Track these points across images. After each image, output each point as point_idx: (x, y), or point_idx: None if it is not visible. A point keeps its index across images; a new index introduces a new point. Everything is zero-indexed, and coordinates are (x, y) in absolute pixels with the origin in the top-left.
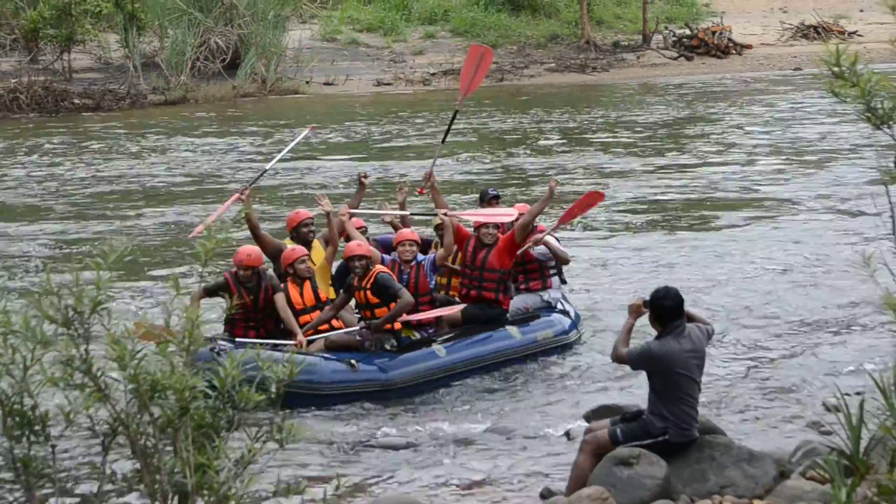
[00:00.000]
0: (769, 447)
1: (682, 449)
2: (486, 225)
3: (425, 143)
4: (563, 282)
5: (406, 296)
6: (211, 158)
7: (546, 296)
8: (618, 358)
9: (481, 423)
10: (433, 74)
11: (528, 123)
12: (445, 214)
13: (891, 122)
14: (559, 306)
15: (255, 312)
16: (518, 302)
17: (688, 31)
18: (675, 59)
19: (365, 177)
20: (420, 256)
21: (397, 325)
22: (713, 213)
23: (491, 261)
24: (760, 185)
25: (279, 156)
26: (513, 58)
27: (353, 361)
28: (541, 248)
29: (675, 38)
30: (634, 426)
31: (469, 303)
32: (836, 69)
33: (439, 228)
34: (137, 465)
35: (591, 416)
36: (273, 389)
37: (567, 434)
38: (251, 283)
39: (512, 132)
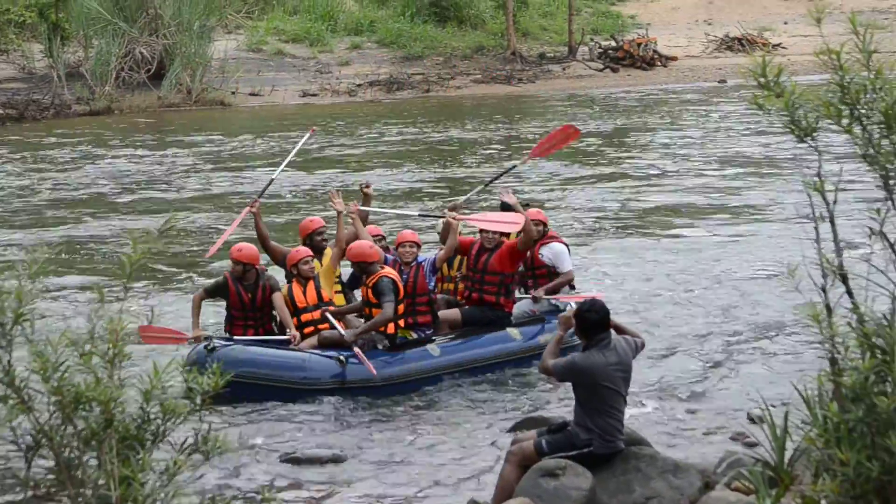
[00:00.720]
0: (694, 458)
1: (607, 460)
2: (486, 230)
3: (354, 154)
4: (572, 287)
5: (387, 310)
6: (135, 168)
7: (555, 301)
8: (544, 369)
9: (410, 434)
10: (359, 85)
11: (463, 133)
12: (455, 218)
13: (814, 135)
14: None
15: (252, 311)
16: (525, 305)
17: (613, 43)
18: (601, 70)
19: (367, 186)
20: (421, 257)
21: (391, 328)
22: (649, 223)
23: (492, 264)
24: (693, 195)
25: (282, 164)
26: (439, 69)
27: (341, 358)
28: (549, 252)
29: (600, 50)
30: (560, 437)
31: (470, 305)
32: (761, 81)
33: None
34: (62, 478)
35: (518, 428)
36: (198, 401)
37: (494, 445)
38: (248, 281)
39: (448, 142)
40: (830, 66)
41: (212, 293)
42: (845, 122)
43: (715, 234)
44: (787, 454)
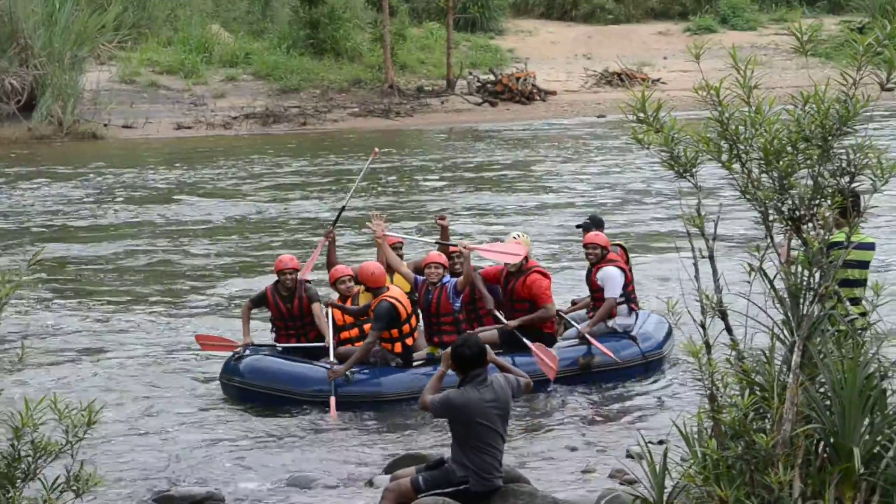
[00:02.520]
0: (574, 496)
1: (484, 498)
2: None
3: (232, 186)
4: (632, 310)
5: (368, 339)
6: (6, 203)
7: (611, 322)
8: (423, 405)
9: (292, 467)
10: (235, 118)
11: (340, 167)
12: (465, 247)
13: (694, 171)
14: (627, 333)
15: (291, 320)
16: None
17: (492, 77)
18: (480, 104)
19: (442, 218)
20: (447, 278)
21: (402, 345)
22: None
23: (518, 290)
24: (571, 230)
25: (351, 191)
26: (316, 102)
27: (348, 373)
28: (602, 275)
29: (479, 84)
30: (437, 474)
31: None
32: (640, 116)
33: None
34: None
35: (396, 465)
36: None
37: (370, 482)
38: (287, 293)
39: (333, 174)
40: (710, 102)
41: (256, 303)
42: (725, 157)
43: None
44: (667, 491)
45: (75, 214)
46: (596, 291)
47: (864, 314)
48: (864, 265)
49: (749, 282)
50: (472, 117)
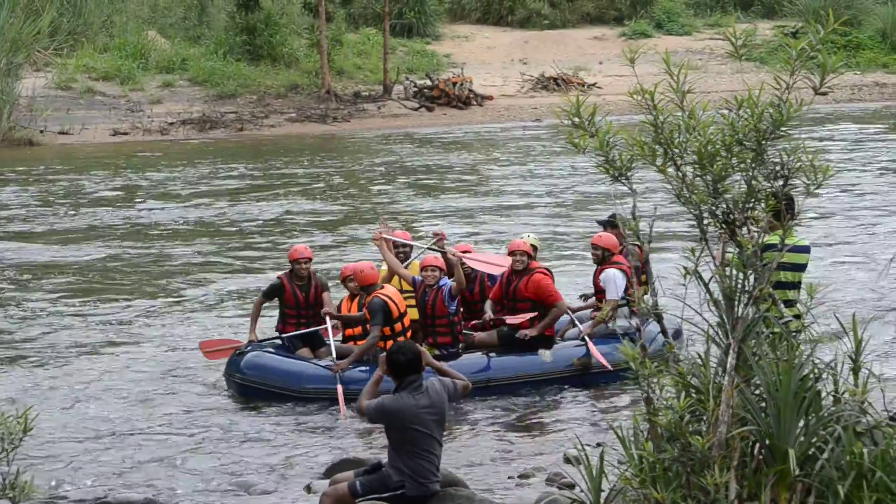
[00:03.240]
0: (511, 499)
1: (421, 502)
2: (513, 252)
3: (173, 190)
4: (633, 313)
5: (372, 335)
6: None
7: (612, 324)
8: (359, 410)
9: (222, 477)
10: (171, 124)
11: (277, 171)
12: (454, 254)
13: (629, 174)
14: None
15: (305, 308)
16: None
17: (429, 82)
18: (417, 109)
19: (438, 234)
20: (443, 281)
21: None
22: None
23: (520, 290)
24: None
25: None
26: (253, 108)
27: (335, 371)
28: (604, 276)
29: (415, 89)
30: (374, 479)
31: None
32: (575, 121)
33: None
34: None
35: (335, 469)
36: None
37: (308, 488)
38: (303, 281)
39: (272, 178)
40: (644, 106)
41: (269, 295)
42: (659, 161)
43: None
44: (604, 494)
45: (19, 219)
46: (599, 292)
47: (798, 317)
48: (798, 268)
49: (684, 284)
50: (409, 122)
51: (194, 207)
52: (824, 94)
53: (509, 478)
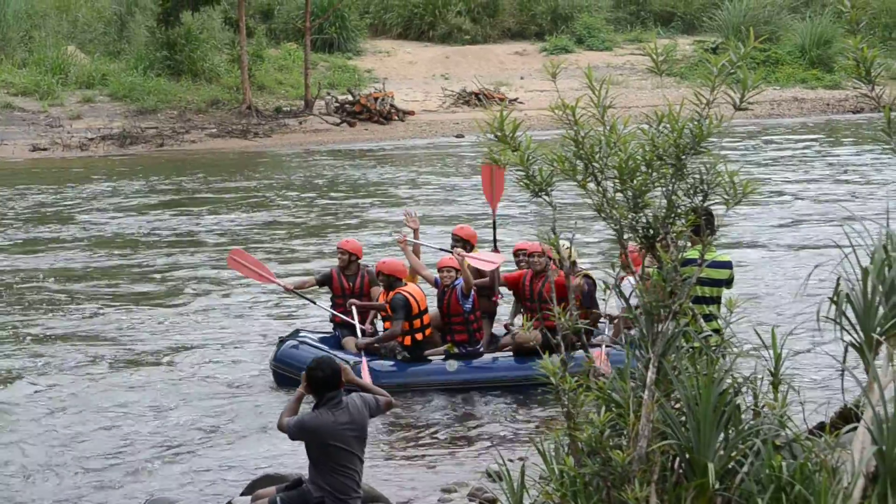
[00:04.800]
0: None
1: None
2: (531, 254)
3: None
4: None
5: (394, 328)
6: None
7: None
8: (280, 427)
9: (141, 494)
10: (91, 139)
11: (197, 185)
12: (458, 254)
13: (549, 189)
14: None
15: (351, 297)
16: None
17: (350, 97)
18: (338, 125)
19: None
20: (459, 281)
21: (412, 339)
22: None
23: (544, 292)
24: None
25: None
26: (173, 123)
27: (351, 362)
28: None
29: (337, 104)
30: (294, 495)
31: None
32: (498, 134)
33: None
34: None
35: (257, 485)
36: None
37: (229, 503)
38: (351, 272)
39: (192, 192)
40: (565, 121)
41: (320, 283)
42: (580, 176)
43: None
44: None
45: None
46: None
47: (718, 331)
48: (717, 283)
49: (604, 299)
50: (330, 137)
51: (113, 220)
52: (744, 109)
53: (431, 492)
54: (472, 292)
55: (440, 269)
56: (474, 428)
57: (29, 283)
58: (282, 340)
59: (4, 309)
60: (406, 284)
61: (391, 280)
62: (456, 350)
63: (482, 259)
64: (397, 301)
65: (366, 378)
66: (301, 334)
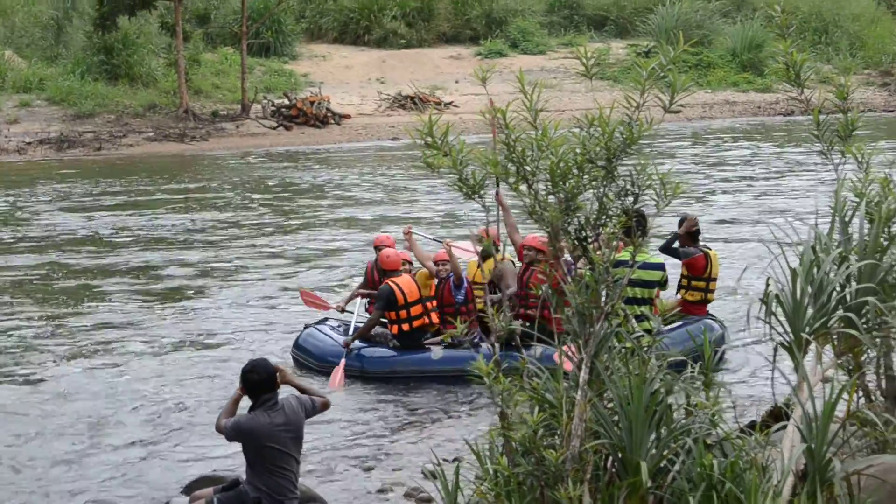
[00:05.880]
0: None
1: None
2: (525, 247)
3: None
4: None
5: (371, 317)
6: None
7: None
8: (217, 428)
9: (79, 496)
10: (29, 143)
11: (143, 188)
12: (447, 244)
13: (482, 192)
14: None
15: None
16: None
17: (286, 101)
18: (275, 128)
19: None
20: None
21: (398, 328)
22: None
23: (531, 282)
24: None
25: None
26: (111, 127)
27: (350, 347)
28: None
29: (273, 108)
30: (231, 496)
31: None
32: (428, 140)
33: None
34: None
35: (194, 485)
36: None
37: None
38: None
39: (129, 195)
40: (497, 125)
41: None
42: (512, 179)
43: None
44: None
45: None
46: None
47: (649, 331)
48: (649, 284)
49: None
50: (267, 141)
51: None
52: (676, 112)
53: (368, 493)
54: (465, 284)
55: (436, 263)
56: (415, 426)
57: None
58: (306, 328)
59: None
60: (401, 276)
61: (384, 271)
62: (450, 340)
63: (463, 249)
64: (381, 291)
65: (337, 378)
66: (327, 322)
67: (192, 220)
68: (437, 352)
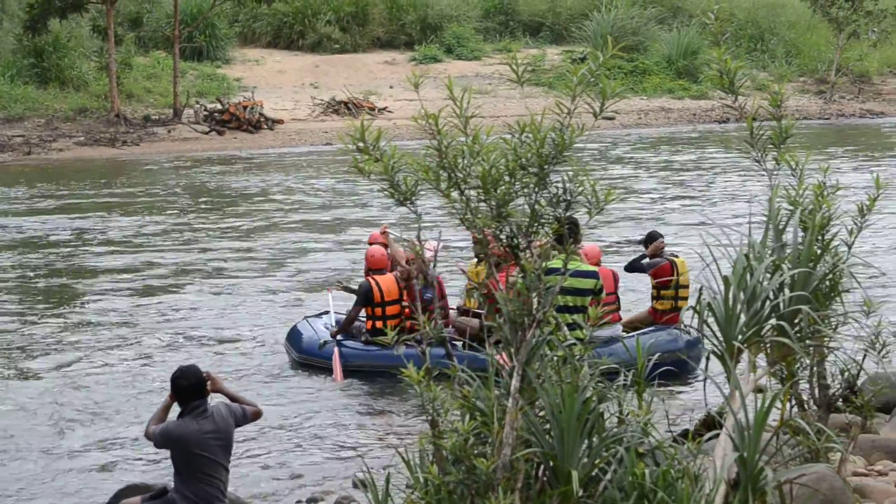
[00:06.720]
0: None
1: None
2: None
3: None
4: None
5: (350, 311)
6: None
7: (609, 331)
8: (146, 435)
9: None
10: None
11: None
12: (384, 228)
13: (414, 199)
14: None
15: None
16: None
17: (219, 106)
18: (207, 133)
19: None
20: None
21: (372, 324)
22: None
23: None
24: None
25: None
26: (41, 131)
27: (324, 341)
28: None
29: (206, 113)
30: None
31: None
32: (359, 145)
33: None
34: None
35: (122, 494)
36: None
37: None
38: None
39: (59, 199)
40: (429, 131)
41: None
42: (444, 186)
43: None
44: None
45: None
46: (608, 294)
47: (582, 340)
48: (582, 293)
49: (469, 308)
50: (199, 146)
51: None
52: (609, 118)
53: (297, 502)
54: (436, 283)
55: (408, 262)
56: (341, 436)
57: None
58: (304, 319)
59: None
60: (385, 274)
61: (367, 269)
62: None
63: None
64: (360, 286)
65: (336, 363)
66: (324, 316)
67: (141, 225)
68: (400, 348)
